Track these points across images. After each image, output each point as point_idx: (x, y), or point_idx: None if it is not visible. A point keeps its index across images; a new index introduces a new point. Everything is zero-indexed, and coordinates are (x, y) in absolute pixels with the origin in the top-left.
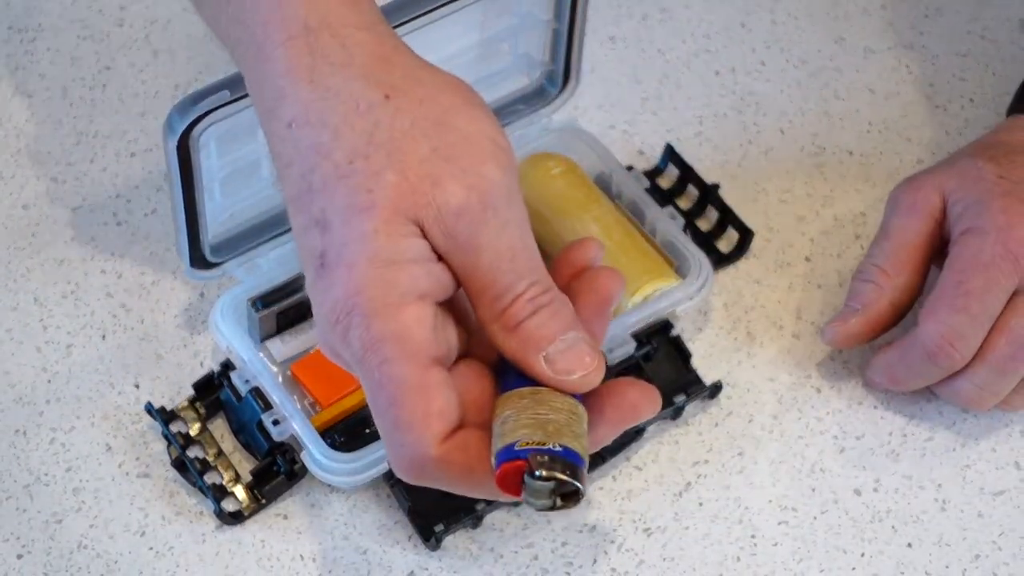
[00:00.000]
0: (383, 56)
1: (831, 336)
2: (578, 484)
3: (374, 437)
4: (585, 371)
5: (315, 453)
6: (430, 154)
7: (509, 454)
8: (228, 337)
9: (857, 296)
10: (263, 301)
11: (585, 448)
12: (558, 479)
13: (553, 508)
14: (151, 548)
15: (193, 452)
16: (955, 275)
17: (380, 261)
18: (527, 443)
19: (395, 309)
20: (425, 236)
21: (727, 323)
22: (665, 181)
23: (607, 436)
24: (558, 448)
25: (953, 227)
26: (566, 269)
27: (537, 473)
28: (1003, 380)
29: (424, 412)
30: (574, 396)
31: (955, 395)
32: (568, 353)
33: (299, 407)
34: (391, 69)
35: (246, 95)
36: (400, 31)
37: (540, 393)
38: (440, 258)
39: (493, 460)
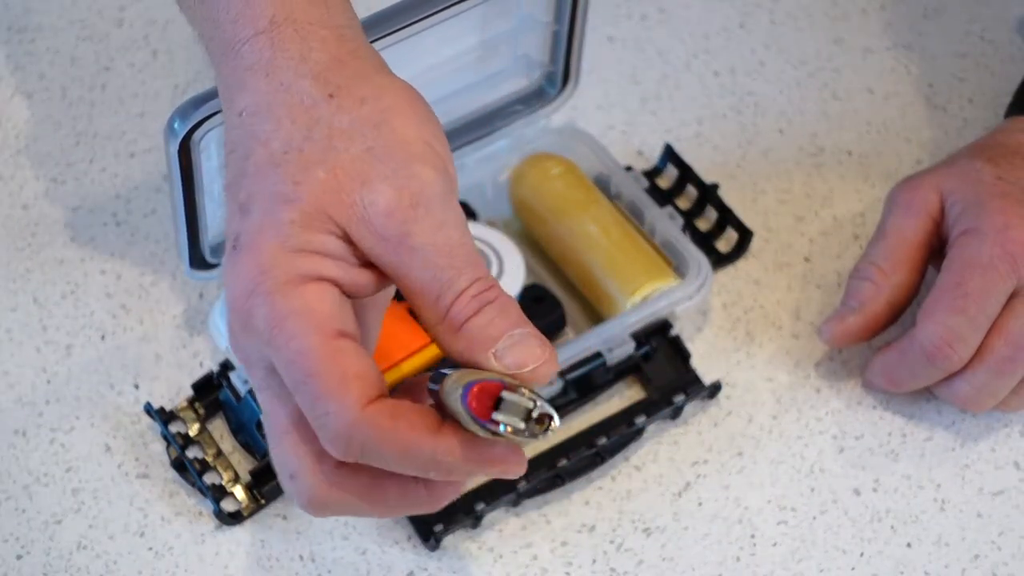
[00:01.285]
0: (338, 57)
1: (828, 335)
2: (552, 411)
3: None
4: (537, 362)
5: None
6: (364, 154)
7: (481, 380)
8: (227, 337)
9: (854, 294)
10: None
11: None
12: (535, 399)
13: (523, 431)
14: (150, 548)
15: (192, 452)
16: (954, 276)
17: (288, 247)
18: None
19: (296, 286)
20: (350, 240)
21: (726, 323)
22: (664, 181)
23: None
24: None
25: (951, 228)
26: None
27: (520, 389)
28: (1001, 381)
29: (340, 377)
30: None
31: (953, 396)
32: (518, 348)
33: None
34: (342, 69)
35: None
36: (401, 35)
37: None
38: (367, 265)
39: (460, 391)
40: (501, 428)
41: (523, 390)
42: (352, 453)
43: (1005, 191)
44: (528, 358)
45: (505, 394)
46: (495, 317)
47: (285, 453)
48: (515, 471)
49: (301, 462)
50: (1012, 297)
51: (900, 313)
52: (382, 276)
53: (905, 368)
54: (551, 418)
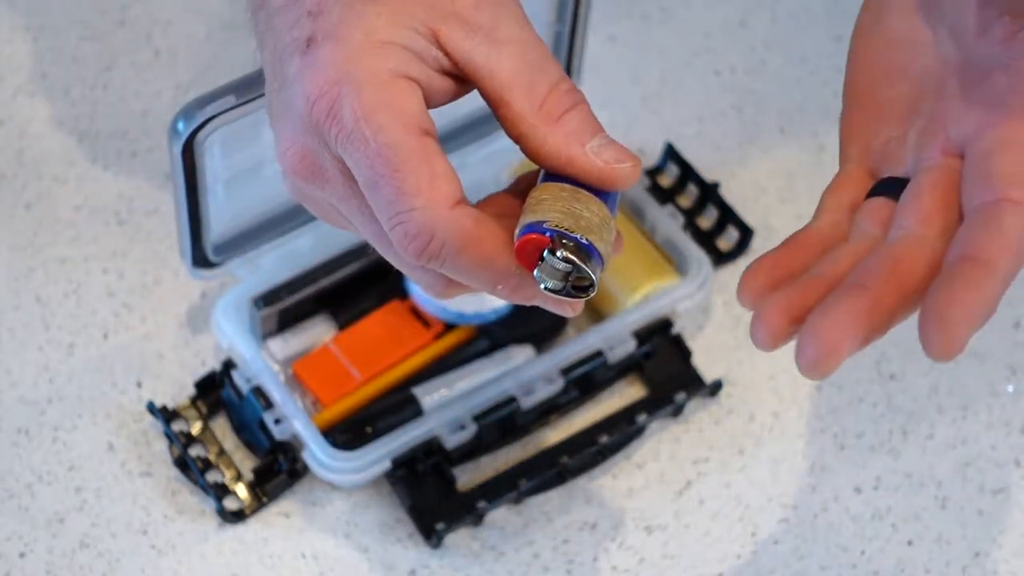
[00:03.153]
0: None
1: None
2: (593, 277)
3: (376, 436)
4: (632, 161)
5: (316, 452)
6: None
7: (535, 228)
8: (230, 336)
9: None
10: (265, 300)
11: (608, 254)
12: (576, 264)
13: (561, 292)
14: (153, 547)
15: (195, 451)
16: None
17: (376, 40)
18: (556, 225)
19: (387, 80)
20: (434, 41)
21: (727, 321)
22: (665, 180)
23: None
24: (584, 240)
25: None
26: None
27: (559, 253)
28: None
29: (430, 174)
30: (608, 206)
31: None
32: (612, 146)
33: (300, 406)
34: None
35: (251, 99)
36: None
37: (580, 192)
38: (444, 72)
39: (517, 231)
40: (540, 286)
41: (566, 248)
42: (428, 253)
43: None
44: (624, 155)
45: (547, 256)
46: (588, 115)
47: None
48: (569, 311)
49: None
50: None
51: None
52: (459, 86)
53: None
54: (591, 286)
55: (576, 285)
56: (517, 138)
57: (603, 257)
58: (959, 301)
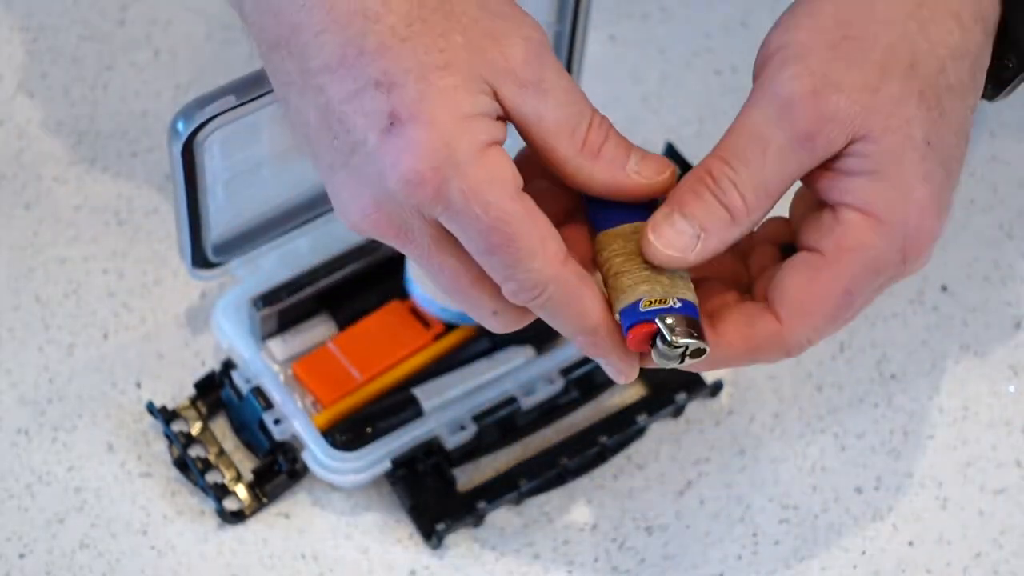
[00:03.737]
0: None
1: (655, 254)
2: (705, 345)
3: (376, 436)
4: (669, 168)
5: (316, 452)
6: (481, 14)
7: (636, 316)
8: (229, 336)
9: (705, 217)
10: (264, 300)
11: (694, 292)
12: (691, 343)
13: (681, 363)
14: (153, 547)
15: (195, 451)
16: (845, 279)
17: (462, 115)
18: (650, 301)
19: (483, 154)
20: (496, 97)
21: None
22: None
23: None
24: (678, 304)
25: (851, 176)
26: None
27: (670, 339)
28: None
29: (540, 236)
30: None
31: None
32: (648, 160)
33: (300, 406)
34: None
35: (251, 99)
36: None
37: (637, 230)
38: (503, 118)
39: (618, 317)
40: (661, 364)
41: (673, 331)
42: (537, 302)
43: (929, 173)
44: (663, 165)
45: (659, 345)
46: (620, 140)
47: (483, 298)
48: (624, 374)
49: (499, 300)
50: None
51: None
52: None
53: (749, 359)
54: (703, 351)
55: (691, 352)
56: (564, 176)
57: (696, 304)
58: None
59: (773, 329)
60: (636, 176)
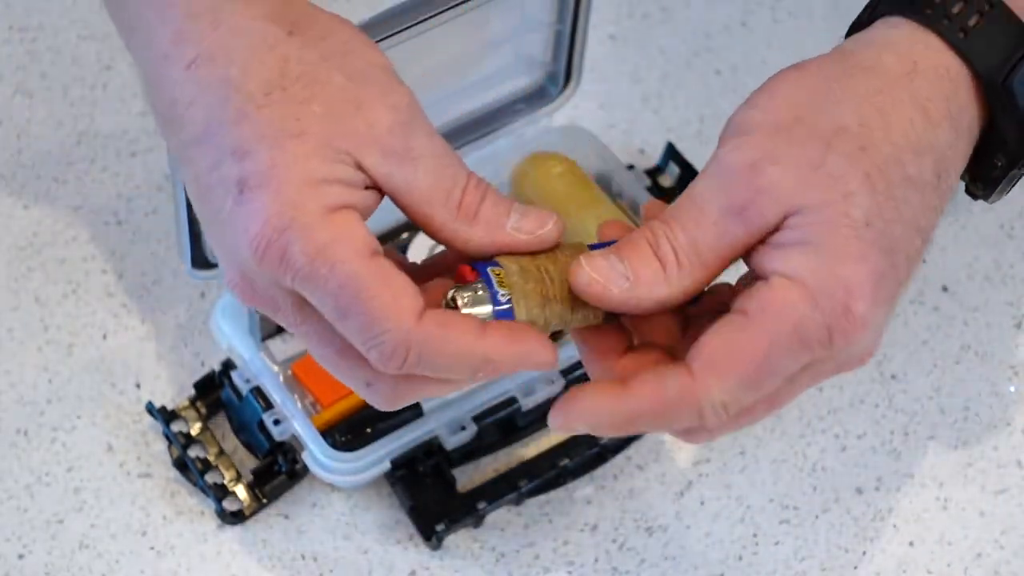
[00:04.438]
0: None
1: (583, 287)
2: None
3: (375, 437)
4: (552, 219)
5: (316, 452)
6: (346, 82)
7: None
8: (229, 336)
9: (636, 263)
10: None
11: (530, 298)
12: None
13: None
14: (152, 548)
15: (194, 451)
16: (764, 343)
17: (311, 180)
18: (501, 283)
19: (331, 216)
20: (358, 166)
21: None
22: (666, 180)
23: None
24: (504, 304)
25: (782, 247)
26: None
27: (457, 294)
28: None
29: (392, 295)
30: None
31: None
32: (528, 215)
33: (300, 406)
34: (289, 9)
35: None
36: (405, 34)
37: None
38: (368, 187)
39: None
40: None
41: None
42: (408, 366)
43: (864, 253)
44: (543, 218)
45: (457, 292)
46: (498, 199)
47: (354, 368)
48: (546, 359)
49: (371, 370)
50: None
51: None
52: (380, 196)
53: (660, 421)
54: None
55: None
56: (443, 242)
57: (514, 314)
58: None
59: (684, 383)
60: (517, 233)
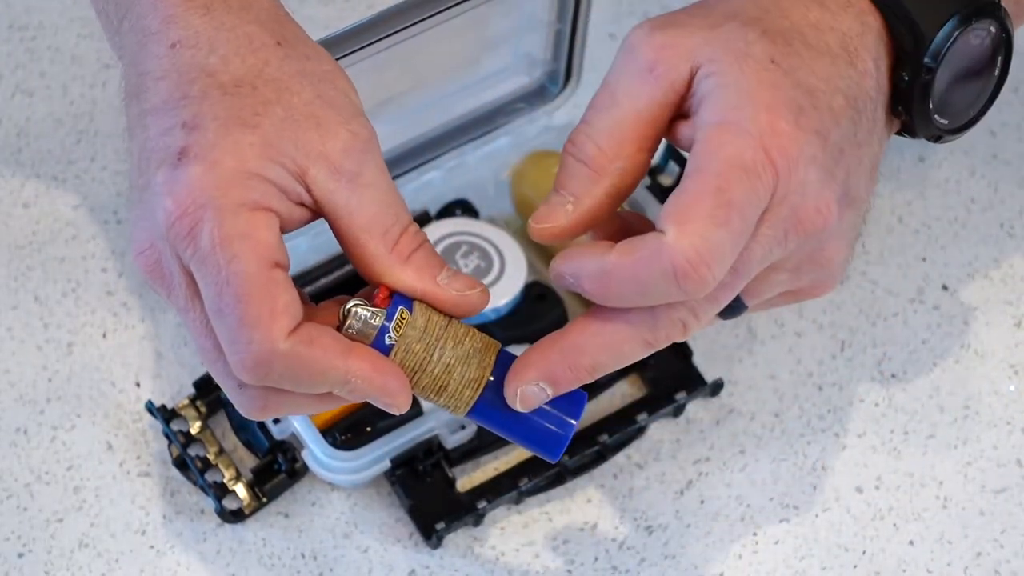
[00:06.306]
0: (277, 16)
1: (537, 234)
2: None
3: (375, 435)
4: (480, 288)
5: (316, 451)
6: (315, 99)
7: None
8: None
9: (568, 183)
10: None
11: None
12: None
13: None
14: (152, 547)
15: (194, 450)
16: (712, 179)
17: (246, 170)
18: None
19: (249, 211)
20: (300, 177)
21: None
22: (666, 179)
23: None
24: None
25: (699, 106)
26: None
27: (352, 310)
28: (709, 306)
29: (271, 307)
30: None
31: (659, 319)
32: (458, 277)
33: None
34: (284, 26)
35: None
36: (406, 33)
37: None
38: (299, 204)
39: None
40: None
41: (361, 313)
42: (266, 381)
43: (775, 81)
44: (472, 283)
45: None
46: (433, 253)
47: (228, 368)
48: (400, 401)
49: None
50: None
51: (621, 202)
52: (312, 215)
53: (637, 284)
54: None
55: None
56: (371, 276)
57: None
58: None
59: (657, 244)
60: (446, 288)
